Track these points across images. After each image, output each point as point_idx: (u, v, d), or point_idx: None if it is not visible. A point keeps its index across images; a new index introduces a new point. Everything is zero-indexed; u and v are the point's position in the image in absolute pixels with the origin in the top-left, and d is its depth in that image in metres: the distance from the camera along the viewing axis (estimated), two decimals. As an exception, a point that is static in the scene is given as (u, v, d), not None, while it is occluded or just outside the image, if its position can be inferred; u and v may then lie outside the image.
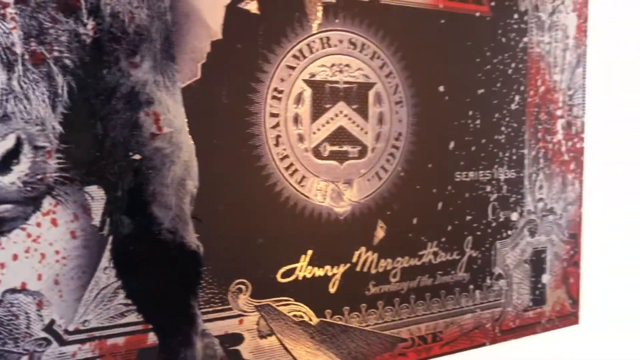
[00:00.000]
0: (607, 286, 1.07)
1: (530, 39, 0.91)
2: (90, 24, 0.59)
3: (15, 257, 0.57)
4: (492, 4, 0.87)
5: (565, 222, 0.99)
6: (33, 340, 0.59)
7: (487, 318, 0.91)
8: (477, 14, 0.85)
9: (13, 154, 0.55)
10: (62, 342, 0.60)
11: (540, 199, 0.95)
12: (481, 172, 0.88)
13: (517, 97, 0.91)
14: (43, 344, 0.59)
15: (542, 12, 0.92)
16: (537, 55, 0.92)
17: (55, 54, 0.57)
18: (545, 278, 0.97)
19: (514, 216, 0.92)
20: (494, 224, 0.90)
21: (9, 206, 0.56)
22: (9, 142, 0.55)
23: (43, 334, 0.59)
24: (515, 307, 0.94)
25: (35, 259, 0.58)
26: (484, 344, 0.91)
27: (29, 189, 0.57)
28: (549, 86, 0.94)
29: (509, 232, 0.92)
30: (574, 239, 1.00)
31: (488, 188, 0.89)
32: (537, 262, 0.97)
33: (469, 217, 0.87)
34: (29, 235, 0.58)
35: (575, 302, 1.01)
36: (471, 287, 0.89)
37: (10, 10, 0.55)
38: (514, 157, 0.91)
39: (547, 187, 0.96)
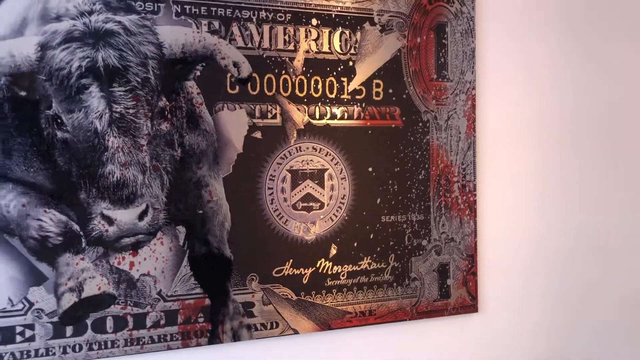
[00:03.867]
0: (499, 287, 1.64)
1: (431, 136, 1.51)
2: (179, 150, 1.27)
3: (145, 259, 1.25)
4: (403, 118, 1.48)
5: (463, 247, 1.56)
6: (152, 299, 1.26)
7: (407, 304, 1.50)
8: (393, 125, 1.47)
9: (145, 213, 1.23)
10: (165, 300, 1.27)
11: (443, 232, 1.54)
12: (399, 216, 1.48)
13: (423, 171, 1.51)
14: (157, 300, 1.26)
15: (439, 120, 1.53)
16: (437, 146, 1.52)
17: (163, 165, 1.25)
18: (449, 281, 1.55)
19: (424, 242, 1.52)
20: (409, 247, 1.50)
21: (143, 236, 1.24)
22: (143, 207, 1.23)
23: (156, 296, 1.26)
24: (427, 299, 1.52)
25: (153, 260, 1.25)
26: (405, 320, 1.50)
27: (151, 228, 1.24)
28: (446, 163, 1.53)
29: (421, 252, 1.51)
30: (471, 257, 1.57)
31: (404, 225, 1.49)
32: (443, 271, 1.54)
33: (391, 242, 1.48)
34: (150, 249, 1.25)
35: (474, 298, 1.58)
36: (395, 284, 1.49)
37: (145, 147, 1.23)
38: (422, 207, 1.51)
39: (448, 225, 1.54)
